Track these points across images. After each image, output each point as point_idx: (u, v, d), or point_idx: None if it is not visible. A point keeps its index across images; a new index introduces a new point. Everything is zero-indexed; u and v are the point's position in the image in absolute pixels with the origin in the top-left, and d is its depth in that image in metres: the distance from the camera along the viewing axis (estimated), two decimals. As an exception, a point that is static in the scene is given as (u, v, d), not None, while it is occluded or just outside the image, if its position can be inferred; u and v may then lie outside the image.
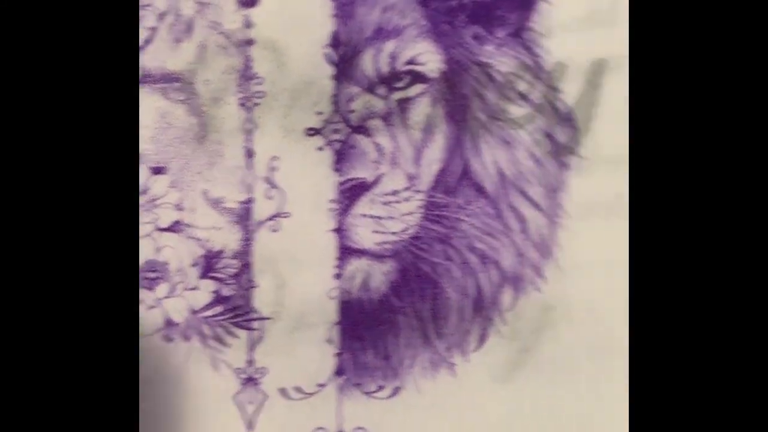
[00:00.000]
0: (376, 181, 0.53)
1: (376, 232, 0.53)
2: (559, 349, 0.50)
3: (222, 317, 0.53)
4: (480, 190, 0.53)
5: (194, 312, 0.53)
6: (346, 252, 0.53)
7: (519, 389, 0.51)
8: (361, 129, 0.54)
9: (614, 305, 0.50)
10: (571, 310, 0.50)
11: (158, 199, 0.53)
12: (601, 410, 0.51)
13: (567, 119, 0.52)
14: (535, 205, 0.52)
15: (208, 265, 0.53)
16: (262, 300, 0.53)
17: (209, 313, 0.53)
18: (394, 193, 0.53)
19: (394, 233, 0.53)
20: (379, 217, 0.53)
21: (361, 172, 0.54)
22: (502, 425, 0.51)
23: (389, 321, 0.53)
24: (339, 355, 0.53)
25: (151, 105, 0.53)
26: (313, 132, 0.54)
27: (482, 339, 0.52)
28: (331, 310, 0.53)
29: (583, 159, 0.52)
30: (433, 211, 0.53)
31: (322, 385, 0.53)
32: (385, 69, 0.54)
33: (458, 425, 0.52)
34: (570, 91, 0.52)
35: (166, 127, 0.54)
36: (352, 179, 0.53)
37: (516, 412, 0.51)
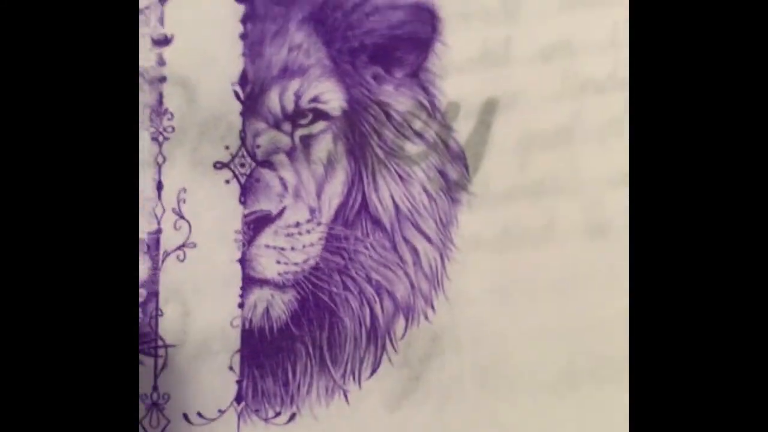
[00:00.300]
0: (279, 214, 0.55)
1: (279, 262, 0.55)
2: (446, 376, 0.52)
3: (128, 344, 0.55)
4: (377, 223, 0.55)
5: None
6: (250, 282, 0.55)
7: (409, 416, 0.53)
8: (266, 163, 0.56)
9: (500, 334, 0.52)
10: (458, 339, 0.52)
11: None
12: (486, 436, 0.53)
13: (459, 157, 0.54)
14: (428, 239, 0.54)
15: (117, 293, 0.55)
16: (167, 328, 0.55)
17: (116, 339, 0.54)
18: (297, 225, 0.55)
19: (295, 264, 0.55)
20: (282, 248, 0.55)
21: (265, 204, 0.56)
22: (393, 451, 0.53)
23: (288, 349, 0.54)
24: (239, 382, 0.55)
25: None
26: (220, 165, 0.56)
27: (375, 367, 0.54)
28: (233, 339, 0.55)
29: (472, 195, 0.54)
30: (332, 243, 0.55)
31: (222, 411, 0.54)
32: (290, 106, 0.56)
33: (351, 451, 0.53)
34: (462, 130, 0.54)
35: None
36: (256, 211, 0.55)
37: (405, 439, 0.53)
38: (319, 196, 0.55)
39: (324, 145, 0.55)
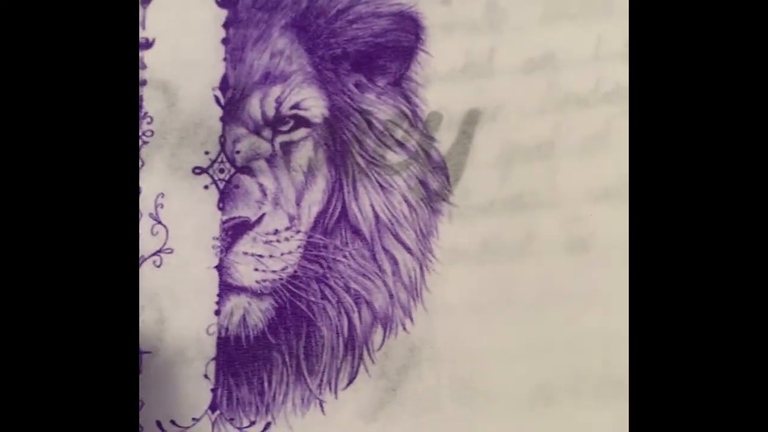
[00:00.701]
0: (258, 221, 0.55)
1: (257, 270, 0.55)
2: (423, 388, 0.52)
3: (102, 349, 0.54)
4: (357, 232, 0.54)
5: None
6: (227, 289, 0.55)
7: (385, 427, 0.52)
8: (246, 169, 0.55)
9: (478, 348, 0.51)
10: (435, 350, 0.52)
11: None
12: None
13: (440, 167, 0.54)
14: (407, 249, 0.54)
15: (91, 297, 0.54)
16: (142, 334, 0.54)
17: (90, 345, 0.54)
18: (276, 232, 0.55)
19: (273, 271, 0.54)
20: (260, 256, 0.55)
21: (244, 211, 0.55)
22: (368, 462, 0.53)
23: (264, 357, 0.54)
24: (214, 390, 0.54)
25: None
26: (199, 171, 0.56)
27: (351, 377, 0.53)
28: (209, 346, 0.54)
29: (453, 206, 0.53)
30: (311, 251, 0.55)
31: (196, 419, 0.54)
32: (270, 113, 0.55)
33: (326, 461, 0.53)
34: (444, 140, 0.54)
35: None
36: (235, 218, 0.55)
37: (381, 450, 0.53)
38: (298, 203, 0.55)
39: (304, 153, 0.55)
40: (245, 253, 0.54)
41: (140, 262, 0.55)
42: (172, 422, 0.54)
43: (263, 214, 0.55)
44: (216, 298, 0.54)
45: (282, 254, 0.54)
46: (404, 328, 0.53)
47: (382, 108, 0.55)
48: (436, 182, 0.54)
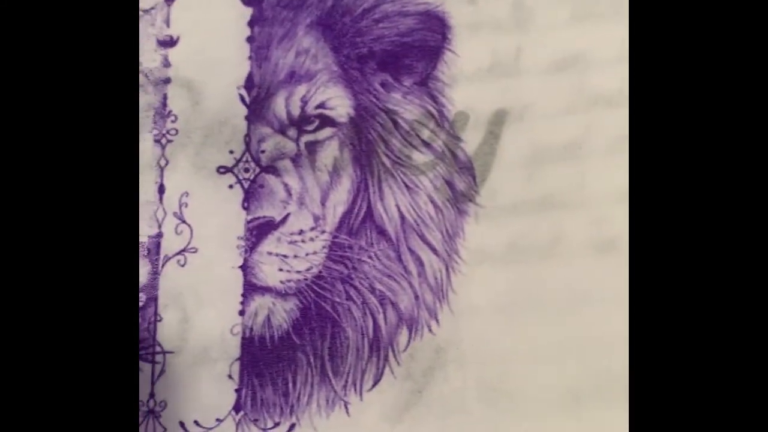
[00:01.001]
0: (283, 221, 0.54)
1: (281, 270, 0.54)
2: (449, 390, 0.51)
3: (126, 349, 0.54)
4: (382, 232, 0.54)
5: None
6: (251, 289, 0.54)
7: (410, 429, 0.52)
8: (270, 169, 0.55)
9: (504, 350, 0.51)
10: (461, 352, 0.51)
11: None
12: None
13: (466, 167, 0.53)
14: (433, 250, 0.53)
15: (115, 297, 0.54)
16: (165, 334, 0.54)
17: (114, 344, 0.54)
18: (300, 232, 0.54)
19: (298, 272, 0.54)
20: (285, 256, 0.54)
21: (269, 211, 0.55)
22: (392, 464, 0.52)
23: (289, 358, 0.54)
24: (238, 390, 0.54)
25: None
26: (224, 170, 0.55)
27: (377, 378, 0.53)
28: (233, 346, 0.54)
29: (479, 206, 0.53)
30: (336, 252, 0.54)
31: (220, 420, 0.54)
32: (296, 112, 0.55)
33: (351, 463, 0.53)
34: (471, 140, 0.53)
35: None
36: (259, 217, 0.55)
37: (406, 453, 0.52)
38: (323, 203, 0.54)
39: (330, 152, 0.55)
40: (270, 253, 0.54)
41: (164, 261, 0.55)
42: (196, 423, 0.53)
43: (288, 214, 0.54)
44: (240, 298, 0.54)
45: (307, 254, 0.54)
46: (430, 330, 0.52)
47: (408, 108, 0.54)
48: (462, 183, 0.53)
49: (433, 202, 0.54)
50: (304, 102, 0.55)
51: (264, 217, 0.54)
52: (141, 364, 0.54)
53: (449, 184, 0.54)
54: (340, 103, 0.55)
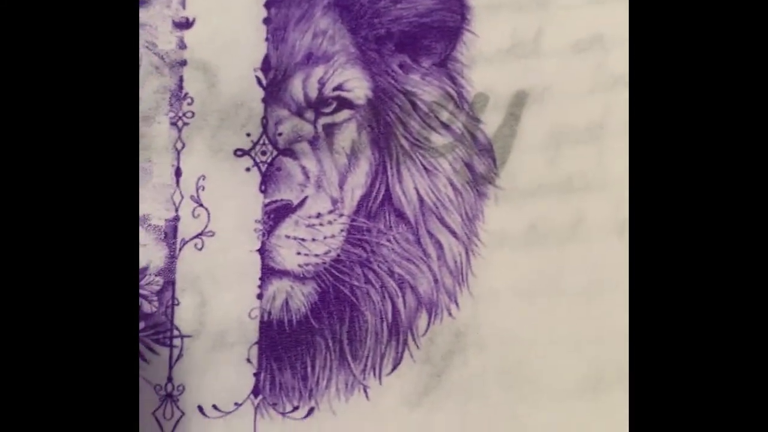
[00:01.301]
0: (300, 204, 0.54)
1: (299, 253, 0.54)
2: (469, 374, 0.51)
3: (143, 333, 0.54)
4: (401, 215, 0.54)
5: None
6: (269, 272, 0.54)
7: (430, 413, 0.52)
8: (288, 152, 0.55)
9: (525, 334, 0.51)
10: (481, 336, 0.51)
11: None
12: (510, 435, 0.52)
13: (486, 149, 0.53)
14: (452, 233, 0.53)
15: (132, 281, 0.54)
16: (183, 317, 0.54)
17: (131, 328, 0.53)
18: (318, 215, 0.54)
19: (316, 255, 0.54)
20: (303, 239, 0.54)
21: (286, 194, 0.54)
22: (412, 449, 0.52)
23: (308, 342, 0.53)
24: (257, 374, 0.54)
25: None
26: (241, 153, 0.55)
27: (396, 363, 0.53)
28: (251, 330, 0.54)
29: (499, 189, 0.52)
30: (354, 235, 0.54)
31: (238, 404, 0.53)
32: (313, 94, 0.54)
33: (370, 447, 0.52)
34: (490, 122, 0.53)
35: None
36: (277, 201, 0.54)
37: (426, 437, 0.52)
38: (341, 186, 0.54)
39: (347, 135, 0.54)
40: (287, 237, 0.54)
41: (181, 245, 0.54)
42: (214, 407, 0.53)
43: (306, 197, 0.54)
44: (258, 282, 0.54)
45: (325, 238, 0.53)
46: (449, 314, 0.52)
47: (426, 89, 0.54)
48: (482, 165, 0.53)
49: (452, 184, 0.53)
50: (322, 84, 0.54)
51: (281, 200, 0.54)
52: (158, 348, 0.54)
53: (469, 166, 0.53)
54: (357, 85, 0.54)
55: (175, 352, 0.54)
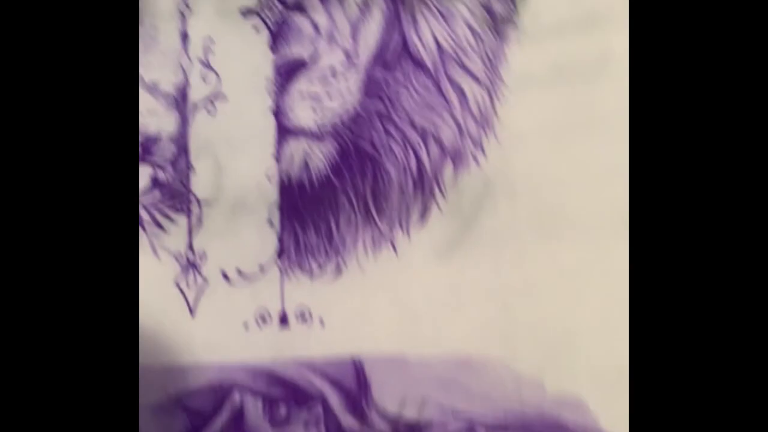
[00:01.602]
0: (312, 59, 0.52)
1: (315, 110, 0.52)
2: (499, 222, 0.49)
3: (160, 202, 0.52)
4: (419, 64, 0.52)
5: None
6: (285, 132, 0.52)
7: (462, 265, 0.50)
8: (296, 7, 0.52)
9: (556, 175, 0.49)
10: (511, 182, 0.49)
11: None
12: (546, 280, 0.50)
13: (505, -11, 0.51)
14: (474, 78, 0.51)
15: (145, 149, 0.52)
16: (199, 184, 0.52)
17: (147, 198, 0.52)
18: (332, 69, 0.52)
19: (332, 111, 0.52)
20: (317, 95, 0.52)
21: (297, 50, 0.52)
22: (444, 301, 0.51)
23: (330, 201, 0.52)
24: (280, 236, 0.52)
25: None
26: (248, 12, 0.53)
27: (423, 216, 0.51)
28: (270, 192, 0.52)
29: (520, 30, 0.50)
30: (372, 88, 0.52)
31: (263, 267, 0.52)
32: (319, -57, 0.52)
33: (401, 303, 0.51)
34: (508, -39, 0.51)
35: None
36: (288, 58, 0.52)
37: (458, 287, 0.51)
38: (354, 38, 0.52)
39: (358, -16, 0.52)
40: (302, 94, 0.52)
41: (192, 110, 0.52)
42: (238, 271, 0.52)
43: (318, 52, 0.52)
44: (274, 143, 0.52)
45: (340, 92, 0.51)
46: (476, 161, 0.50)
47: (439, -71, 0.51)
48: (501, 5, 0.51)
49: (471, 28, 0.51)
50: (328, -67, 0.52)
51: (293, 56, 0.52)
52: (176, 215, 0.52)
53: (486, 8, 0.51)
54: (366, -68, 0.52)
55: (194, 219, 0.52)
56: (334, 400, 0.51)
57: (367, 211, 0.52)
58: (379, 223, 0.52)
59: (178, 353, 0.51)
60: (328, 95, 0.52)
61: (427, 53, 0.52)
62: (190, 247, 0.52)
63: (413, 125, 0.52)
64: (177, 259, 0.52)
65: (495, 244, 0.50)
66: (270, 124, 0.52)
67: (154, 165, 0.52)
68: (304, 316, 0.52)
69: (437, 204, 0.51)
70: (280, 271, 0.52)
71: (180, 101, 0.53)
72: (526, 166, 0.50)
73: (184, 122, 0.53)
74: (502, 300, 0.50)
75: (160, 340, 0.51)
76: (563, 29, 0.49)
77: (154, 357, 0.51)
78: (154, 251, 0.52)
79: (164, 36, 0.53)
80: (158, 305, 0.52)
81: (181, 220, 0.53)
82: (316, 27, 0.52)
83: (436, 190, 0.51)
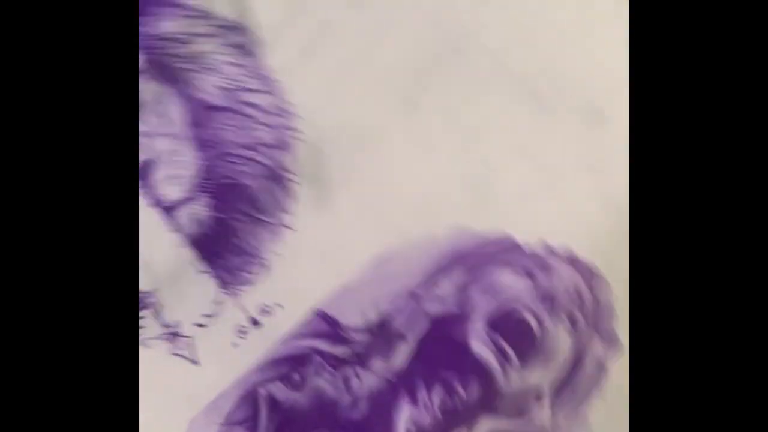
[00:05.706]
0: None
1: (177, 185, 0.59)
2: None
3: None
4: (218, 108, 0.60)
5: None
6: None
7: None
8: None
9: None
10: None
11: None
12: None
13: None
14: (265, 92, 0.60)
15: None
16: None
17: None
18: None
19: (189, 179, 0.59)
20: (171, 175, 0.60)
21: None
22: None
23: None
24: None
25: None
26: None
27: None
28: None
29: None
30: (202, 142, 0.59)
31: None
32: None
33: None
34: None
35: None
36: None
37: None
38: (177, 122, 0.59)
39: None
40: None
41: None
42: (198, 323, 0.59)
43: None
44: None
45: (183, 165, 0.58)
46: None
47: None
48: (238, 38, 0.60)
49: (233, 64, 0.60)
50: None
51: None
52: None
53: (233, 46, 0.61)
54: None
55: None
56: (324, 347, 0.62)
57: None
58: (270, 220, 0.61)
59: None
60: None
61: (219, 97, 0.62)
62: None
63: (245, 147, 0.61)
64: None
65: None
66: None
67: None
68: (266, 311, 0.61)
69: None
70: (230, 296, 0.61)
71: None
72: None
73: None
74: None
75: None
76: None
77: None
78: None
79: None
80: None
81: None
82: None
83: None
